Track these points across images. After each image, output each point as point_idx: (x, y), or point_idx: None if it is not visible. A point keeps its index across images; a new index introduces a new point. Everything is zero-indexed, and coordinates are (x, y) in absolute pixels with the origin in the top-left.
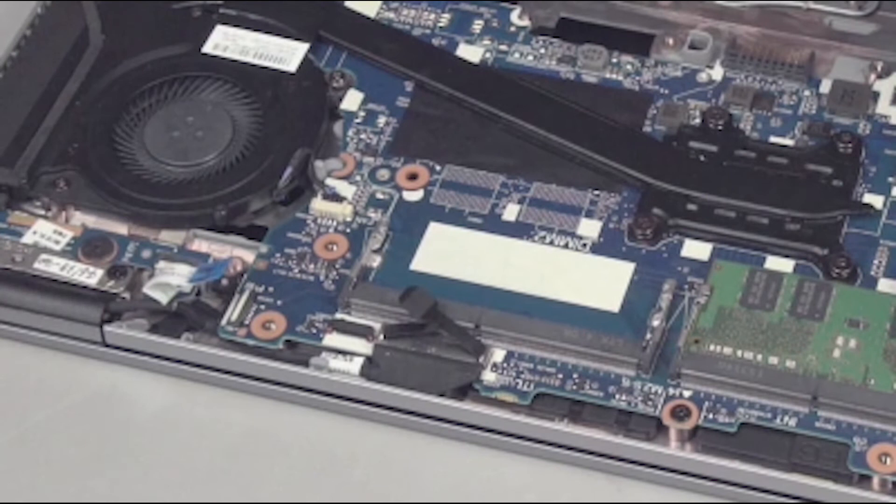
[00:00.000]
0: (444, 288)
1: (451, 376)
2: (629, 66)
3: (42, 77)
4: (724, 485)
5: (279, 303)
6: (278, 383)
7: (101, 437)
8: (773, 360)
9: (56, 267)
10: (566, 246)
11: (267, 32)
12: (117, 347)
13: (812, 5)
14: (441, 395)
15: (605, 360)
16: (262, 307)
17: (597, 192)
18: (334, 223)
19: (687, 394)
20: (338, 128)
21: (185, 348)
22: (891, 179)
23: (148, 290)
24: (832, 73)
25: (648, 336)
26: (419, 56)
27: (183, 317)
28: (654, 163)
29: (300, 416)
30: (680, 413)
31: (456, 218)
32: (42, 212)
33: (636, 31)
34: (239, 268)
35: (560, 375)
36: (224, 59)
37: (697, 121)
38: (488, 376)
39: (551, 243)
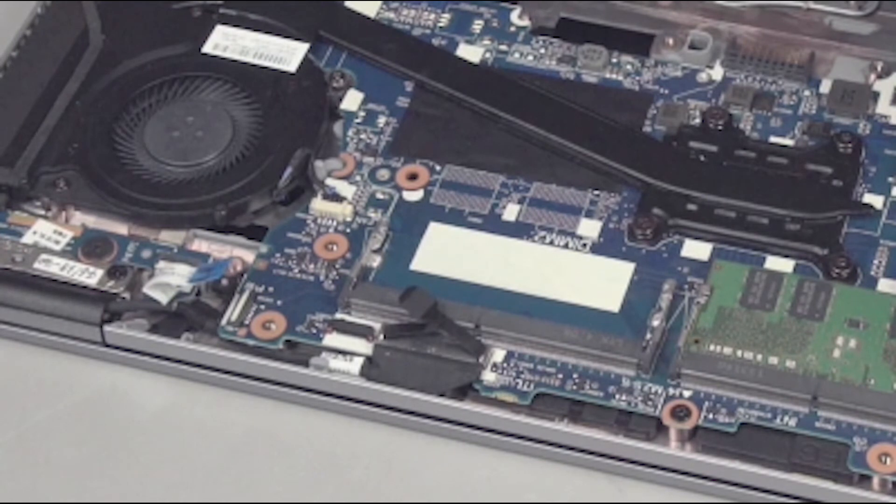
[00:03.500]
0: (444, 288)
1: (451, 376)
2: (629, 66)
3: (42, 77)
4: (724, 485)
5: (279, 303)
6: (278, 383)
7: (101, 437)
8: (773, 360)
9: (56, 267)
10: (566, 246)
11: (267, 32)
12: (117, 347)
13: (812, 5)
14: (441, 395)
15: (605, 360)
16: (262, 307)
17: (597, 192)
18: (334, 223)
19: (687, 394)
20: (338, 128)
21: (185, 348)
22: (891, 179)
23: (148, 290)
24: (832, 73)
25: (648, 336)
26: (419, 56)
27: (183, 317)
28: (654, 163)
29: (300, 416)
30: (680, 413)
31: (456, 218)
32: (42, 212)
33: (636, 31)
34: (239, 268)
35: (560, 375)
36: (224, 59)
37: (697, 121)
38: (488, 376)
39: (551, 243)
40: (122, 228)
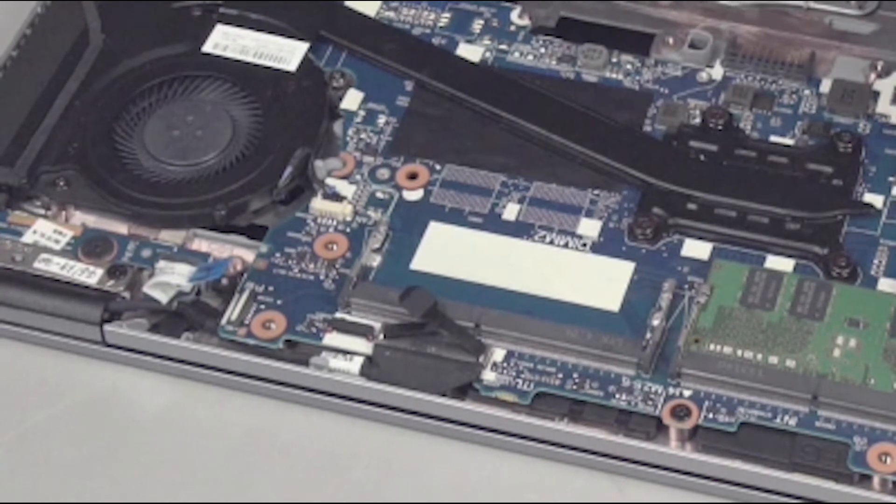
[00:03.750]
0: (444, 287)
1: (451, 376)
2: (629, 66)
3: (42, 77)
4: (725, 484)
5: (279, 302)
6: (279, 383)
7: (101, 437)
8: (773, 359)
9: (56, 266)
10: (566, 245)
11: (267, 32)
12: (117, 347)
13: (812, 5)
14: (441, 395)
15: (605, 360)
16: (262, 307)
17: (597, 192)
18: (334, 223)
19: (687, 393)
20: (338, 127)
21: (185, 348)
22: (891, 179)
23: (148, 289)
24: (832, 72)
25: (648, 335)
26: (419, 56)
27: (183, 316)
28: (655, 162)
29: (300, 416)
30: (680, 412)
31: (456, 217)
32: (42, 211)
33: (636, 31)
34: (239, 267)
35: (560, 375)
36: (224, 58)
37: (697, 120)
38: (488, 376)
39: (551, 243)
40: (122, 228)
